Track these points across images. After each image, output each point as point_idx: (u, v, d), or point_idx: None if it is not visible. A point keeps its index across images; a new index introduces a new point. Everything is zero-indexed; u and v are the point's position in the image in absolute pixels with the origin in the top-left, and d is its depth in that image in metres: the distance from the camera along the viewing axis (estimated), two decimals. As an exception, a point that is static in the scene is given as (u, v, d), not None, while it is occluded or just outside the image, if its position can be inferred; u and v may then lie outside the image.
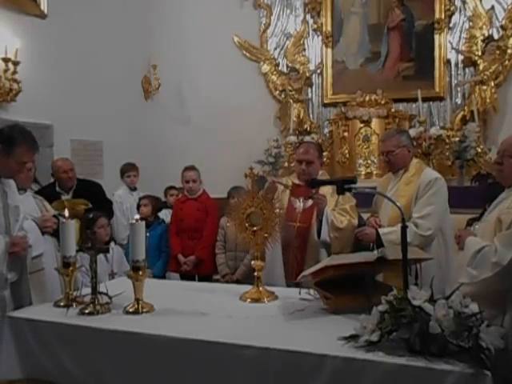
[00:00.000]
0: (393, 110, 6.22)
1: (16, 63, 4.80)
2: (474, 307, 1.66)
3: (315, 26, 7.05)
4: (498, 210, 2.30)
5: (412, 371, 1.59)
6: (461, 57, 6.47)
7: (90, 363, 2.04)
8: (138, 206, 4.72)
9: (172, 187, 5.53)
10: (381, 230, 3.04)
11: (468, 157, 5.92)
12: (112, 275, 3.68)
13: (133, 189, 5.30)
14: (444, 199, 3.13)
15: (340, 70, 6.94)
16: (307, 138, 6.52)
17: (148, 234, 4.44)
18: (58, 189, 4.40)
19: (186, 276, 4.55)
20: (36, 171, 3.46)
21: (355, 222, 3.20)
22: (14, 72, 4.81)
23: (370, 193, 3.43)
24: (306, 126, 6.89)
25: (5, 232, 2.63)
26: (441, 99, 6.50)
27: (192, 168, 4.66)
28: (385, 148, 3.31)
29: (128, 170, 5.30)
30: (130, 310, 2.22)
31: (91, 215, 3.84)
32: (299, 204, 3.22)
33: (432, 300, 1.66)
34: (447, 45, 6.50)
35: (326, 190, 3.22)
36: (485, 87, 6.14)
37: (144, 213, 4.63)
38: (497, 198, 2.40)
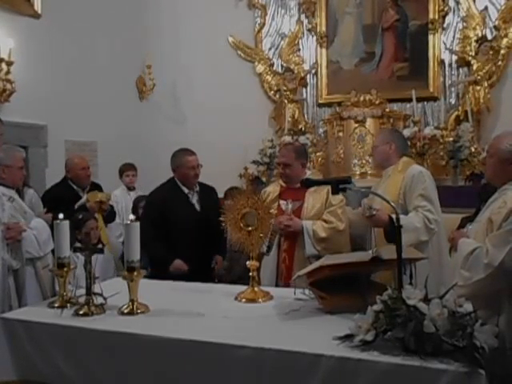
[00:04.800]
0: (387, 110, 6.23)
1: (10, 63, 4.77)
2: (468, 306, 1.66)
3: (310, 26, 7.05)
4: (490, 211, 2.31)
5: (407, 370, 1.60)
6: (454, 57, 6.49)
7: (84, 364, 2.03)
8: (135, 207, 4.70)
9: None
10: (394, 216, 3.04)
11: (462, 157, 5.94)
12: (94, 279, 3.65)
13: (131, 189, 5.30)
14: (436, 193, 3.14)
15: (335, 70, 6.95)
16: (302, 139, 6.53)
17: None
18: (75, 187, 4.32)
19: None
20: (27, 172, 3.48)
21: (341, 225, 3.20)
22: (8, 72, 4.79)
23: (365, 192, 3.44)
24: (300, 126, 6.90)
25: None
26: (435, 99, 6.52)
27: None
28: (374, 143, 3.48)
29: (126, 170, 5.31)
30: (125, 311, 2.21)
31: (80, 216, 3.82)
32: (287, 206, 3.22)
33: (426, 299, 1.67)
34: (441, 45, 6.52)
35: (314, 191, 3.24)
36: (478, 87, 6.16)
37: None
38: (489, 199, 2.41)
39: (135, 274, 2.20)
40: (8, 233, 2.81)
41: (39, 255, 3.07)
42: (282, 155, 3.39)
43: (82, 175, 4.31)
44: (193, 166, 3.70)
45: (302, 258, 3.15)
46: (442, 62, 6.53)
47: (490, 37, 6.26)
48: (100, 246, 3.82)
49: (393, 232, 2.94)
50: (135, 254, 2.22)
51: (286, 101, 6.92)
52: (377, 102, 6.19)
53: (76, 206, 4.09)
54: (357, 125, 6.17)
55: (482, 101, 6.13)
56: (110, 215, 4.47)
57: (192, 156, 3.73)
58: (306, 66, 7.11)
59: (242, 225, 2.44)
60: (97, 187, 4.52)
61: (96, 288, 2.29)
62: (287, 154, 3.35)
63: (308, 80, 7.15)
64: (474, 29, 6.32)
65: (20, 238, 2.91)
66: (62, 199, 3.92)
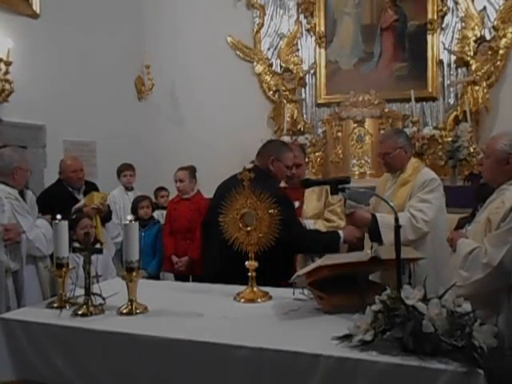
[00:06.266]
0: (386, 110, 6.24)
1: (8, 63, 4.76)
2: (466, 306, 1.66)
3: (308, 26, 7.07)
4: (488, 211, 2.32)
5: (405, 370, 1.59)
6: (453, 57, 6.52)
7: (83, 365, 2.03)
8: (135, 207, 4.71)
9: (162, 188, 5.54)
10: (377, 214, 3.04)
11: (461, 157, 5.96)
12: (97, 278, 3.65)
13: (129, 189, 5.29)
14: (439, 199, 3.12)
15: (333, 71, 6.96)
16: (301, 139, 6.54)
17: (143, 234, 4.45)
18: (70, 188, 4.33)
19: (180, 276, 4.55)
20: (31, 174, 3.49)
21: (342, 223, 3.22)
22: (7, 72, 4.78)
23: (364, 192, 3.44)
24: (299, 127, 6.91)
25: None
26: (434, 99, 6.54)
27: (182, 168, 4.66)
28: (382, 150, 3.32)
29: (124, 170, 5.30)
30: (124, 311, 2.21)
31: (74, 216, 3.83)
32: None
33: (425, 299, 1.67)
34: (440, 45, 6.55)
35: (312, 191, 3.23)
36: (477, 87, 6.18)
37: (148, 214, 4.65)
38: (488, 199, 2.42)
39: (134, 274, 2.19)
40: (6, 234, 2.82)
41: (48, 253, 3.08)
42: (294, 156, 3.26)
43: (73, 177, 4.30)
44: (291, 165, 3.17)
45: (302, 257, 3.15)
46: (440, 62, 6.55)
47: (488, 37, 6.28)
48: (98, 245, 3.82)
49: (375, 230, 2.96)
50: (134, 254, 2.21)
51: (284, 101, 6.93)
52: (376, 102, 6.20)
53: (73, 210, 4.09)
54: (356, 125, 6.18)
55: (480, 101, 6.15)
56: (106, 215, 4.47)
57: (291, 153, 3.14)
58: (305, 66, 7.12)
59: (240, 225, 2.44)
60: (92, 186, 4.51)
61: (95, 288, 2.29)
62: (298, 155, 3.32)
63: (307, 80, 7.16)
64: (473, 29, 6.33)
65: (19, 239, 2.92)
66: (58, 200, 3.92)
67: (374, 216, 3.02)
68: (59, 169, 4.42)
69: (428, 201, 3.05)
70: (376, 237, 3.00)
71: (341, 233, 2.95)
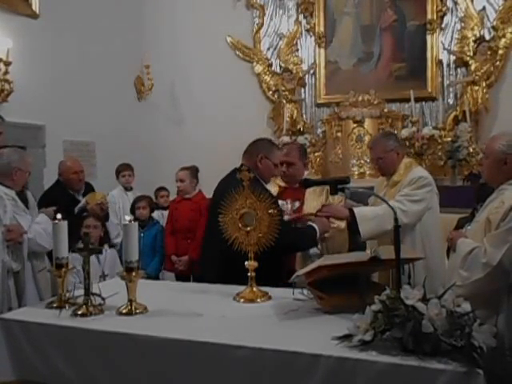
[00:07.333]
0: (386, 110, 6.25)
1: (8, 63, 4.77)
2: (466, 306, 1.67)
3: (308, 26, 7.07)
4: (488, 211, 2.32)
5: (405, 370, 1.59)
6: (453, 57, 6.52)
7: (82, 365, 2.03)
8: (134, 208, 4.70)
9: (162, 188, 5.54)
10: (354, 208, 3.04)
11: (460, 157, 5.97)
12: (103, 277, 3.64)
13: (128, 189, 5.29)
14: (424, 195, 3.07)
15: (333, 71, 6.96)
16: (300, 139, 6.54)
17: (142, 234, 4.44)
18: (70, 191, 4.28)
19: (180, 276, 4.55)
20: (30, 175, 3.47)
21: (343, 224, 3.20)
22: (6, 72, 4.79)
23: (364, 193, 3.45)
24: (299, 127, 6.91)
25: None
26: (433, 99, 6.55)
27: (183, 168, 4.67)
28: (373, 155, 3.35)
29: (123, 170, 5.30)
30: (124, 311, 2.21)
31: (84, 214, 3.83)
32: (287, 206, 3.20)
33: (425, 299, 1.67)
34: (439, 45, 6.55)
35: (312, 191, 3.23)
36: (476, 87, 6.18)
37: (144, 215, 4.64)
38: (487, 199, 2.42)
39: (133, 274, 2.19)
40: (8, 235, 2.82)
41: (50, 248, 3.07)
42: (287, 154, 3.30)
43: (74, 179, 4.26)
44: (278, 164, 3.10)
45: (302, 257, 3.15)
46: (440, 63, 6.55)
47: (488, 37, 6.28)
48: (105, 246, 3.80)
49: (354, 223, 2.97)
50: (134, 254, 2.21)
51: (284, 101, 6.93)
52: (375, 102, 6.21)
53: (76, 210, 4.08)
54: (355, 125, 6.18)
55: (480, 101, 6.15)
56: (104, 216, 4.45)
57: (279, 151, 3.16)
58: (305, 66, 7.12)
59: (240, 225, 2.44)
60: (89, 187, 4.49)
61: (95, 288, 2.29)
62: (292, 153, 3.31)
63: (306, 80, 7.16)
64: (472, 29, 6.34)
65: (21, 239, 2.91)
66: (59, 203, 3.90)
67: (351, 210, 3.03)
68: (58, 170, 4.39)
69: (410, 195, 3.04)
70: (356, 229, 3.01)
71: (315, 226, 2.94)
